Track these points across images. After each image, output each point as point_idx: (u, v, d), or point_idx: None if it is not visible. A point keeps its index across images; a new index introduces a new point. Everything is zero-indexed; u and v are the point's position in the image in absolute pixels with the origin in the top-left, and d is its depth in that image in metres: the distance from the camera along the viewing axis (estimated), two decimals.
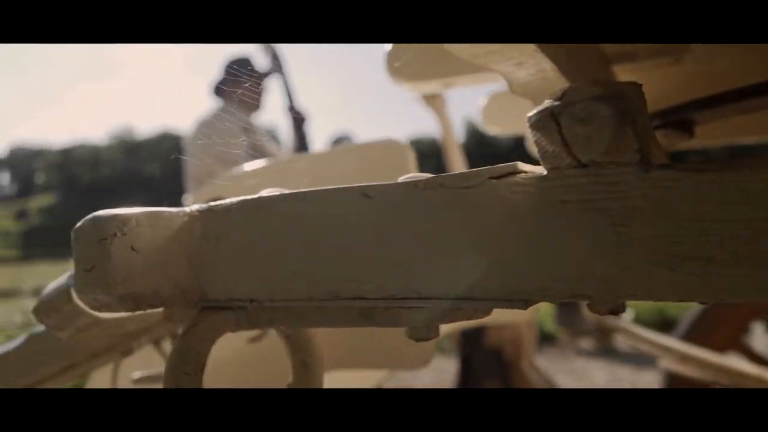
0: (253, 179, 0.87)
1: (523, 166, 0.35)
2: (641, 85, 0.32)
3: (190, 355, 0.42)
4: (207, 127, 2.73)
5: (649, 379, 3.36)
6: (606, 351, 4.23)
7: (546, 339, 4.35)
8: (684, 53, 0.75)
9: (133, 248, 0.41)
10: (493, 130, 1.21)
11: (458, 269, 0.36)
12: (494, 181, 0.35)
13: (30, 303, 5.57)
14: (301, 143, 2.68)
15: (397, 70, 0.82)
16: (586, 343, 4.41)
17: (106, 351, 0.65)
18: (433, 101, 1.67)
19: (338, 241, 0.40)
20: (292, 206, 0.42)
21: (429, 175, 0.39)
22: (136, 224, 0.41)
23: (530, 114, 0.32)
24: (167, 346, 0.69)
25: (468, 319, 0.37)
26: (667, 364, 1.58)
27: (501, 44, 0.40)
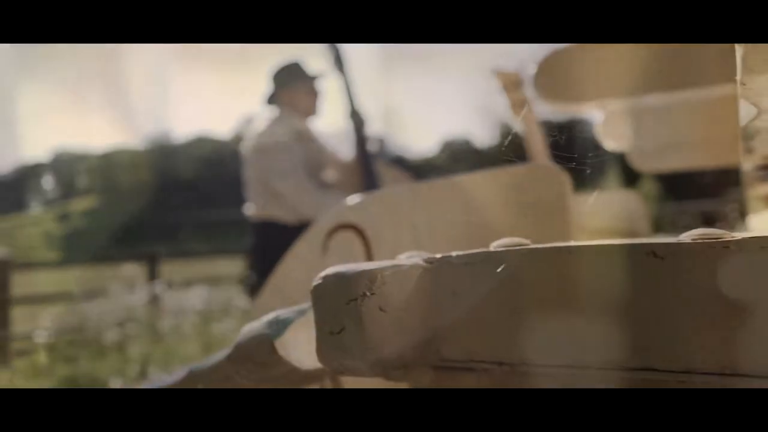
0: (388, 203, 0.84)
1: None
2: None
3: None
4: (262, 137, 2.71)
5: None
6: None
7: None
8: None
9: (381, 309, 0.38)
10: (609, 144, 1.16)
11: None
12: None
13: (85, 307, 5.66)
14: (362, 147, 2.64)
15: (545, 87, 0.78)
16: None
17: None
18: (522, 109, 1.61)
19: (618, 304, 0.36)
20: (553, 261, 0.38)
21: (723, 232, 0.35)
22: (382, 282, 0.38)
23: None
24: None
25: None
26: None
27: None
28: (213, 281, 6.30)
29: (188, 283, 5.82)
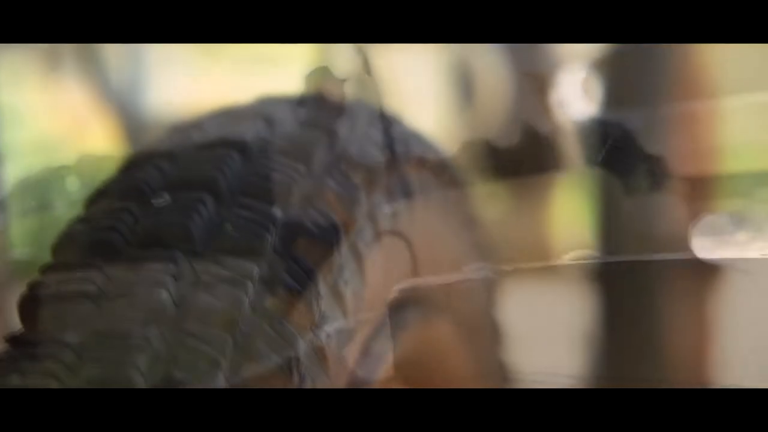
0: (434, 210, 0.83)
1: None
2: None
3: None
4: (290, 139, 2.74)
5: None
6: None
7: None
8: None
9: (454, 323, 0.37)
10: (650, 148, 1.15)
11: None
12: None
13: (110, 307, 5.75)
14: (390, 149, 2.65)
15: (594, 90, 0.77)
16: None
17: None
18: (555, 112, 1.60)
19: (703, 320, 0.35)
20: (625, 275, 0.37)
21: None
22: (457, 296, 0.38)
23: None
24: None
25: None
26: None
27: None
28: (239, 281, 6.35)
29: (213, 283, 5.87)
